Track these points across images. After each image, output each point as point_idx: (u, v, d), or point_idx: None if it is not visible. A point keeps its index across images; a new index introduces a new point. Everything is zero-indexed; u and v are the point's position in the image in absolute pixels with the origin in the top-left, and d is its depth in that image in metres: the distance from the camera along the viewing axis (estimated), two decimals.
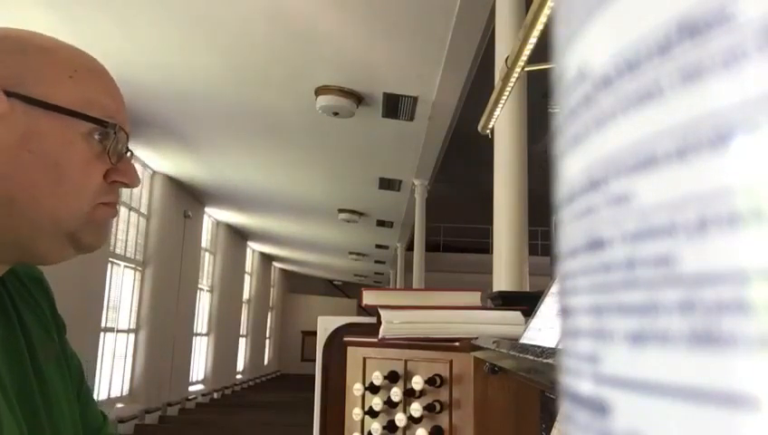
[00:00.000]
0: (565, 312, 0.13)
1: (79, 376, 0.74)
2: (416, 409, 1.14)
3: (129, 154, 0.68)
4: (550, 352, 0.62)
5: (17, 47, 0.60)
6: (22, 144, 0.57)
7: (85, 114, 0.61)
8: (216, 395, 10.42)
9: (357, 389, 1.30)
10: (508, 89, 2.14)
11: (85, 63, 0.64)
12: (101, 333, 6.80)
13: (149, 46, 4.30)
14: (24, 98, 0.58)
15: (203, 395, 10.06)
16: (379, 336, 1.25)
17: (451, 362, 1.13)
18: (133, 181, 0.66)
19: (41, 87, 0.59)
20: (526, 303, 1.26)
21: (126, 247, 7.47)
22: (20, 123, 0.58)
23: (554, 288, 0.85)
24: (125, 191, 7.32)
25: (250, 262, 13.79)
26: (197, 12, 3.84)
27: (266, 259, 15.32)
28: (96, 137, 0.62)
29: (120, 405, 7.24)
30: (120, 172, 0.64)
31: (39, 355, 0.65)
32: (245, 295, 13.57)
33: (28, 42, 0.61)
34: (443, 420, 1.13)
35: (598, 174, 0.11)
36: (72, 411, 0.69)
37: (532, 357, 0.65)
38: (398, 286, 10.69)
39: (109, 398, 7.08)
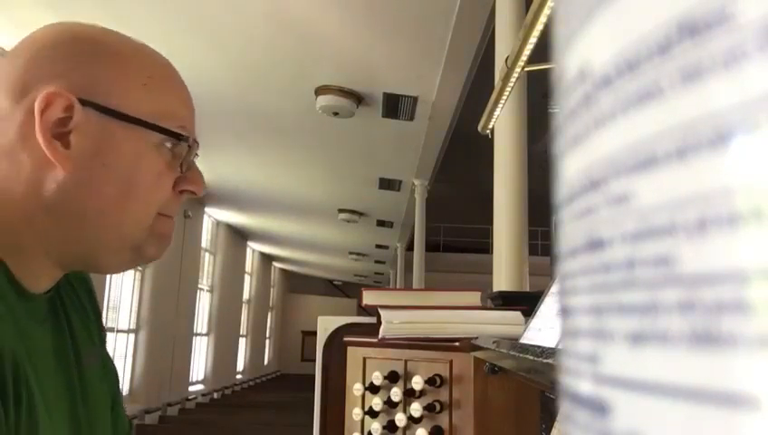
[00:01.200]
0: (565, 312, 0.13)
1: (115, 384, 0.74)
2: (416, 409, 1.14)
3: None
4: (550, 352, 0.62)
5: (90, 51, 0.58)
6: (96, 156, 0.56)
7: (159, 126, 0.59)
8: (215, 395, 10.42)
9: (357, 389, 1.30)
10: (508, 89, 2.14)
11: (158, 69, 0.62)
12: None
13: (150, 46, 4.29)
14: (99, 107, 0.56)
15: (203, 395, 10.06)
16: (379, 336, 1.25)
17: (451, 362, 1.13)
18: (200, 189, 0.64)
19: (114, 96, 0.57)
20: (526, 303, 1.26)
21: None
22: (95, 134, 0.56)
23: (554, 288, 0.85)
24: None
25: (250, 262, 13.79)
26: (198, 12, 3.84)
27: (266, 259, 15.32)
28: (167, 145, 0.60)
29: None
30: (188, 181, 0.62)
31: (83, 362, 0.64)
32: (245, 295, 13.57)
33: (101, 45, 0.59)
34: (443, 420, 1.13)
35: (598, 174, 0.11)
36: (107, 419, 0.68)
37: (532, 357, 0.65)
38: (398, 286, 10.69)
39: None
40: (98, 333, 0.71)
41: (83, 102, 0.56)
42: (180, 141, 0.60)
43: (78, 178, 0.55)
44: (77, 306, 0.68)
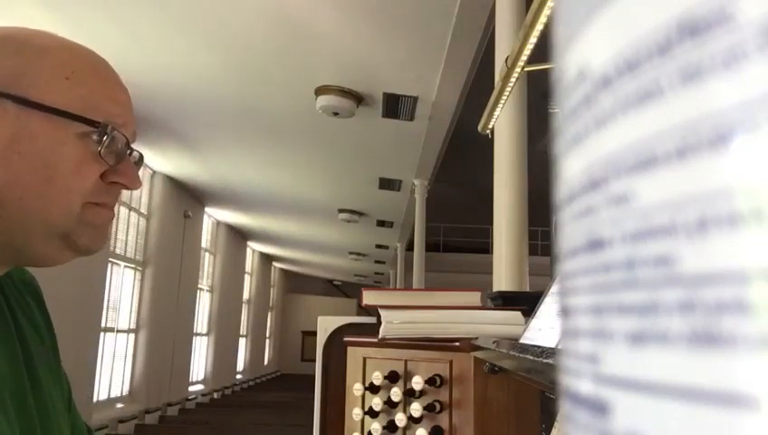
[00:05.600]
0: (565, 312, 0.13)
1: (68, 389, 0.74)
2: (416, 409, 1.14)
3: (133, 155, 0.67)
4: (550, 352, 0.62)
5: (14, 48, 0.60)
6: (11, 146, 0.57)
7: (76, 115, 0.60)
8: (216, 395, 10.42)
9: (357, 389, 1.30)
10: (508, 89, 2.14)
11: (86, 64, 0.63)
12: (101, 333, 6.80)
13: (149, 46, 4.30)
14: (16, 98, 0.58)
15: (203, 395, 10.06)
16: (379, 336, 1.25)
17: (451, 362, 1.13)
18: (132, 183, 0.65)
19: (35, 88, 0.59)
20: (526, 303, 1.26)
21: (126, 247, 7.47)
22: (10, 125, 0.57)
23: (554, 288, 0.85)
24: (126, 191, 7.30)
25: (250, 262, 13.80)
26: (197, 12, 3.84)
27: (266, 259, 15.32)
28: (94, 138, 0.61)
29: (119, 405, 7.24)
30: (118, 173, 0.64)
31: (34, 358, 0.65)
32: (245, 295, 13.57)
33: (26, 42, 0.61)
34: (443, 420, 1.13)
35: (598, 174, 0.11)
36: (63, 417, 0.68)
37: (532, 357, 0.65)
38: (398, 286, 10.69)
39: (109, 398, 7.09)
40: (48, 335, 0.71)
41: (0, 94, 0.58)
42: (105, 133, 0.61)
43: None
44: (23, 306, 0.68)
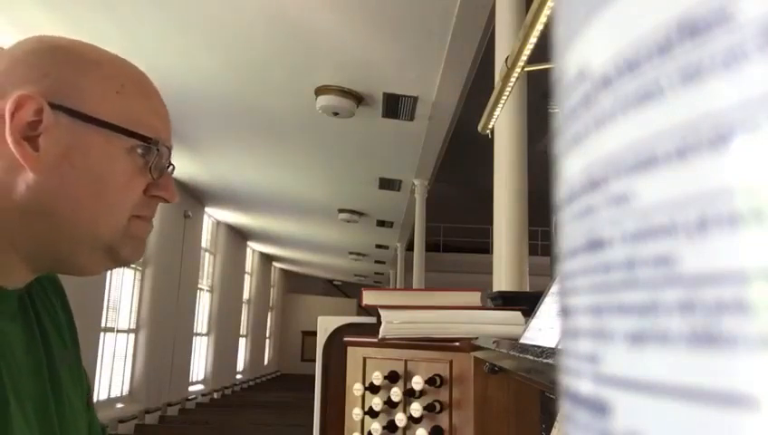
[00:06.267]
0: (565, 312, 0.13)
1: (88, 388, 0.74)
2: (416, 409, 1.14)
3: (170, 169, 0.68)
4: (550, 352, 0.62)
5: (67, 60, 0.60)
6: (65, 158, 0.58)
7: (129, 130, 0.61)
8: (216, 395, 10.42)
9: (357, 389, 1.30)
10: (508, 89, 2.14)
11: (133, 79, 0.64)
12: (101, 333, 6.80)
13: (149, 46, 4.29)
14: (69, 111, 0.58)
15: (203, 395, 10.06)
16: (379, 336, 1.25)
17: (451, 362, 1.13)
18: (172, 197, 0.67)
19: (87, 101, 0.59)
20: (526, 303, 1.26)
21: None
22: (64, 137, 0.58)
23: (554, 288, 0.85)
24: None
25: (250, 262, 13.79)
26: (197, 12, 3.84)
27: (266, 259, 15.32)
28: (139, 151, 0.62)
29: (120, 405, 7.24)
30: (159, 187, 0.65)
31: (56, 361, 0.65)
32: (245, 295, 13.57)
33: (78, 55, 0.61)
34: (443, 420, 1.13)
35: (598, 174, 0.11)
36: (82, 422, 0.69)
37: (532, 357, 0.65)
38: (398, 286, 10.69)
39: (109, 398, 7.09)
40: (70, 334, 0.71)
41: (54, 106, 0.58)
42: (151, 147, 0.63)
43: (47, 179, 0.57)
44: (48, 307, 0.69)
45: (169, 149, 0.66)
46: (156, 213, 0.68)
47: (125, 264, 0.65)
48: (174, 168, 0.70)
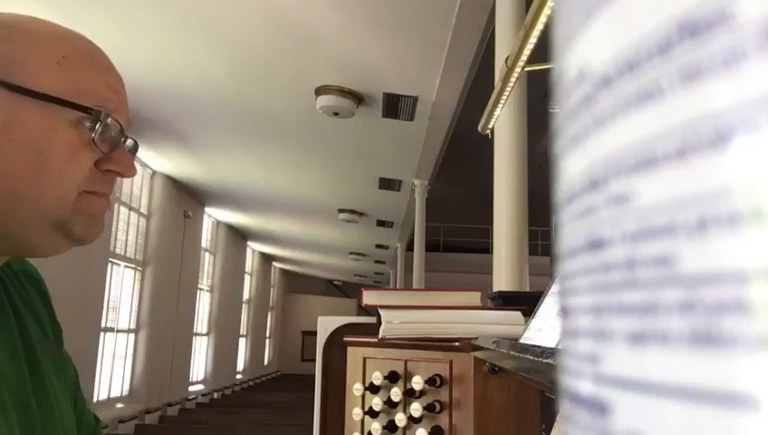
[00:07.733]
0: (565, 312, 0.13)
1: (75, 382, 0.74)
2: (416, 409, 1.14)
3: (128, 143, 0.65)
4: (550, 352, 0.62)
5: (4, 34, 0.59)
6: (2, 133, 0.56)
7: (68, 101, 0.58)
8: (215, 395, 10.42)
9: (357, 389, 1.30)
10: (508, 89, 2.14)
11: (78, 50, 0.62)
12: (101, 333, 6.80)
13: (149, 46, 4.30)
14: (6, 85, 0.57)
15: (203, 395, 10.06)
16: (379, 336, 1.25)
17: (451, 362, 1.13)
18: (126, 171, 0.64)
19: (25, 75, 0.57)
20: (526, 303, 1.26)
21: (126, 247, 7.47)
22: (1, 112, 0.56)
23: (554, 288, 0.85)
24: (126, 191, 7.33)
25: (250, 262, 13.79)
26: (197, 12, 3.84)
27: (266, 259, 15.32)
28: (87, 125, 0.60)
29: (119, 405, 7.24)
30: (113, 161, 0.62)
31: (37, 353, 0.64)
32: (245, 295, 13.57)
33: (15, 28, 0.60)
34: (443, 420, 1.13)
35: (598, 174, 0.11)
36: (68, 412, 0.68)
37: (532, 357, 0.65)
38: (398, 286, 10.69)
39: (109, 398, 7.09)
40: (52, 329, 0.70)
41: None
42: (98, 119, 0.60)
43: None
44: (26, 300, 0.67)
45: (121, 123, 0.63)
46: (112, 189, 0.65)
47: (81, 242, 0.62)
48: (134, 143, 0.68)
